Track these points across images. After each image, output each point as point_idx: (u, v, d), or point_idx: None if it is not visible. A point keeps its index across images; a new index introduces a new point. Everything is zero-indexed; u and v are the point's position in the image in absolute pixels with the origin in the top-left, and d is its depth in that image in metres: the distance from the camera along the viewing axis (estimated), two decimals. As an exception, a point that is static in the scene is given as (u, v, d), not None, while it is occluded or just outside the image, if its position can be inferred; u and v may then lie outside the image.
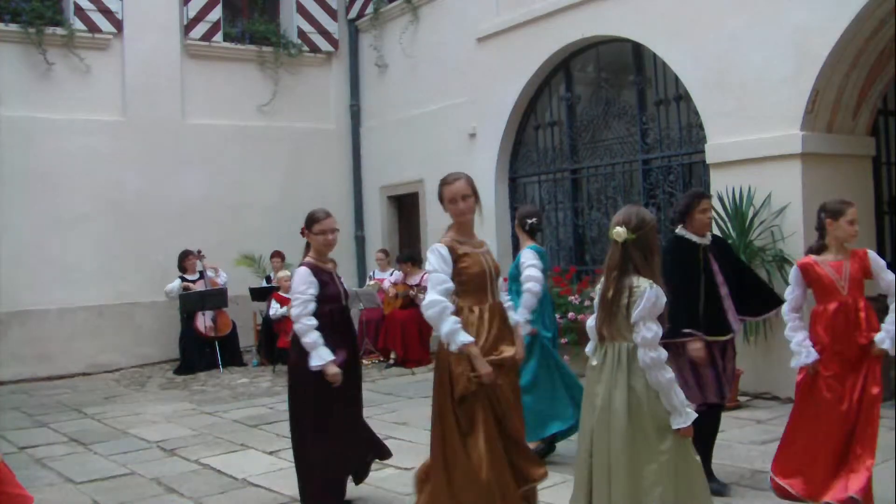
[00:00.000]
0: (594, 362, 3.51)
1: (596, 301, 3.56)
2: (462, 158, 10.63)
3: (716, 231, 7.80)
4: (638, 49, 9.19)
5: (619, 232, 3.40)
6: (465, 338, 3.78)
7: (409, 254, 11.29)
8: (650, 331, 3.32)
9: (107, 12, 11.59)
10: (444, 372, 3.93)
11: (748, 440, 6.17)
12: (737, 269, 5.19)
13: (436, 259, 3.95)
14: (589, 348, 3.61)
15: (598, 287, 3.55)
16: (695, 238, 5.01)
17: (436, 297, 3.83)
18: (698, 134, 8.53)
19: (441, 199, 4.08)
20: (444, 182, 4.07)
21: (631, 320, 3.35)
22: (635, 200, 9.32)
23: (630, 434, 3.32)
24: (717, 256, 5.06)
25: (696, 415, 3.37)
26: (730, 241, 7.58)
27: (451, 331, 3.78)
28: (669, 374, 3.33)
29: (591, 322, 3.59)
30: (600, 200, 9.86)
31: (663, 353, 3.33)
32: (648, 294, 3.32)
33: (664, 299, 3.36)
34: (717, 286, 4.98)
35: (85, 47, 11.46)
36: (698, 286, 4.89)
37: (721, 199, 7.75)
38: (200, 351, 11.06)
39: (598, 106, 9.96)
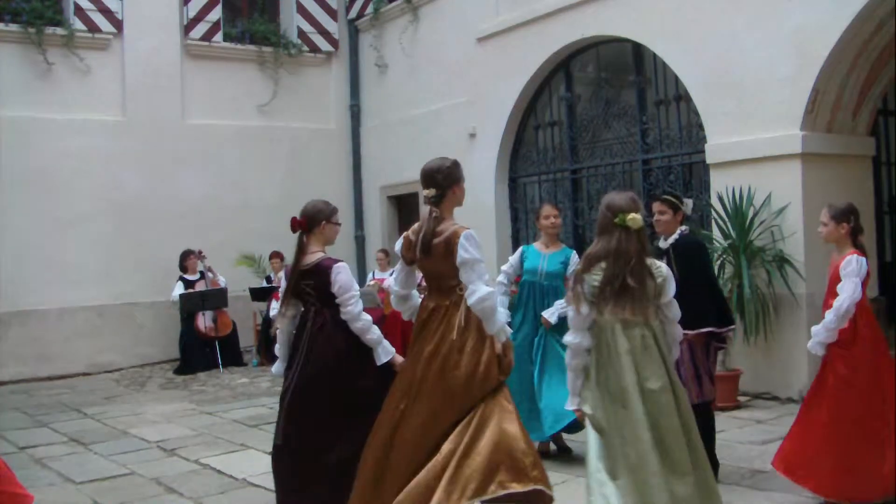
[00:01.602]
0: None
1: (599, 288, 3.56)
2: (462, 158, 10.42)
3: (716, 231, 7.82)
4: (638, 49, 9.19)
5: (636, 219, 3.61)
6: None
7: (408, 254, 11.25)
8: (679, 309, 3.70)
9: (107, 12, 11.57)
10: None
11: (748, 440, 6.17)
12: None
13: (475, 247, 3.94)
14: (576, 337, 3.63)
15: (596, 275, 3.58)
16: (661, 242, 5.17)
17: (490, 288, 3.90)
18: (698, 134, 8.52)
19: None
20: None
21: (665, 300, 3.60)
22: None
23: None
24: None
25: None
26: (729, 241, 7.61)
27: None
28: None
29: (585, 310, 3.59)
30: (600, 200, 9.83)
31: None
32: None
33: None
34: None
35: (85, 47, 11.44)
36: None
37: (721, 199, 7.75)
38: (200, 351, 11.06)
39: (598, 106, 9.95)
